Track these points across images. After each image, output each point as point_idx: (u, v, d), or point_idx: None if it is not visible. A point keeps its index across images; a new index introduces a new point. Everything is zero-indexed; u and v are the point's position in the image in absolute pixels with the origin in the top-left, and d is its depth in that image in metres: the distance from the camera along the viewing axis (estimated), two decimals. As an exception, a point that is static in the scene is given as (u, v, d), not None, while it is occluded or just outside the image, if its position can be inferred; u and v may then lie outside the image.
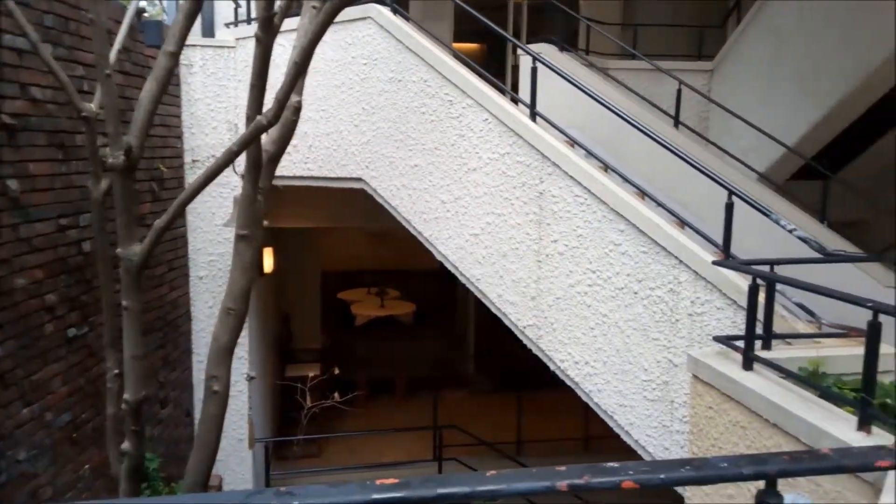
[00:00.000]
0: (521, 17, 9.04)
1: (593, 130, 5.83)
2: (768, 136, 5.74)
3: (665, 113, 6.20)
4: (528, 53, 4.51)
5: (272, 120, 3.51)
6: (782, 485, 2.69)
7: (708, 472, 1.15)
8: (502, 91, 4.73)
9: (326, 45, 5.46)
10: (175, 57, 3.71)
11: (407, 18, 5.11)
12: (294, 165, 5.74)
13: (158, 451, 5.24)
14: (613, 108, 4.24)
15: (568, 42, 7.60)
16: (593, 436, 8.95)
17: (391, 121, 5.14)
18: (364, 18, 5.15)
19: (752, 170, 5.88)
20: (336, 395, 5.92)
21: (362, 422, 9.43)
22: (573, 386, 4.54)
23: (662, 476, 1.12)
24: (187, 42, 4.18)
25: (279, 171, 5.82)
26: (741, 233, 4.47)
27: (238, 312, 4.03)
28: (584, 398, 4.52)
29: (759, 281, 3.01)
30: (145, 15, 5.73)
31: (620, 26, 8.42)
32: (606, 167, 5.13)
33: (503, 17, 9.09)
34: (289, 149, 5.78)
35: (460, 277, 5.00)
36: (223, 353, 4.05)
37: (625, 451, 4.34)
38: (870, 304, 2.29)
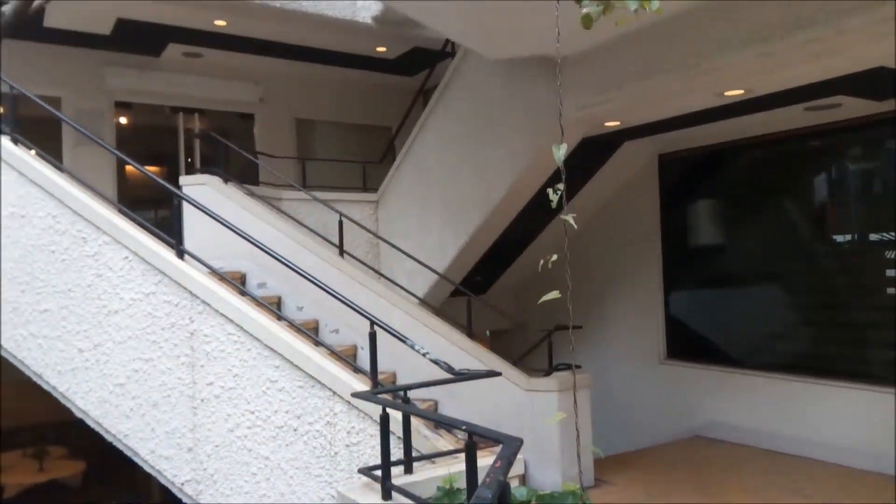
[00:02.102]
0: (194, 144, 8.90)
1: (266, 259, 5.82)
2: (421, 264, 6.32)
3: (330, 242, 6.49)
4: (171, 191, 4.36)
5: None
6: None
7: None
8: (147, 228, 4.47)
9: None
10: None
11: (30, 148, 4.62)
12: None
13: None
14: (254, 241, 4.29)
15: (246, 173, 7.67)
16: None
17: (13, 261, 4.49)
18: (-24, 147, 4.54)
19: (413, 295, 6.39)
20: None
21: None
22: (241, 541, 4.19)
23: None
24: None
25: None
26: (408, 353, 4.74)
27: None
28: (254, 552, 4.18)
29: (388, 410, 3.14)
30: None
31: (296, 160, 8.78)
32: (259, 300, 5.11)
33: (175, 143, 8.86)
34: None
35: (105, 435, 4.41)
36: None
37: None
38: (464, 427, 2.51)
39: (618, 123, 5.60)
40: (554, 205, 2.73)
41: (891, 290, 5.44)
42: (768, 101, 4.80)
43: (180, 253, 4.30)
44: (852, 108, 5.02)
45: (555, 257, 2.83)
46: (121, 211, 4.45)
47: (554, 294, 2.80)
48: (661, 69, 4.38)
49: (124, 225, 4.30)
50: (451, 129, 6.81)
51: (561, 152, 2.70)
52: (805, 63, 3.89)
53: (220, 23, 6.97)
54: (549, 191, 2.72)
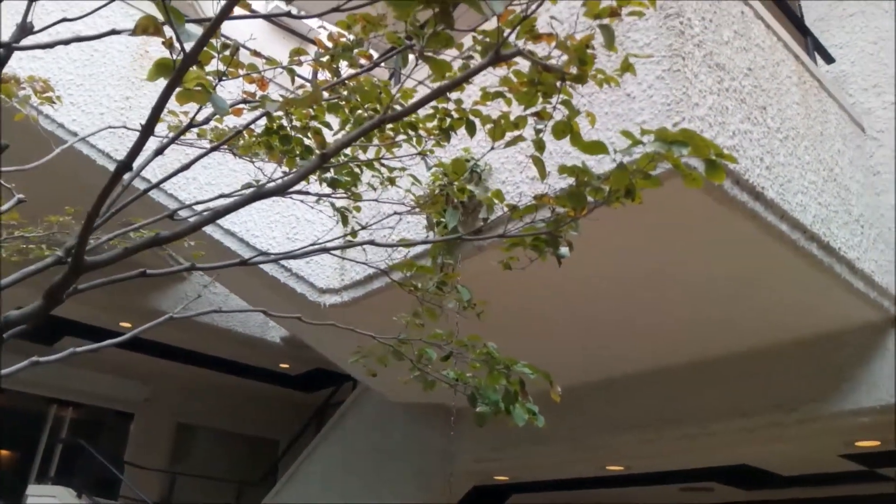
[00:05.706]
0: (59, 435, 8.11)
1: None
2: None
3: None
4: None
5: None
6: None
7: None
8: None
9: None
10: None
11: None
12: None
13: None
14: None
15: (110, 479, 6.98)
16: None
17: None
18: None
19: None
20: None
21: None
22: None
23: None
24: None
25: None
26: None
27: None
28: None
29: None
30: None
31: (165, 472, 8.11)
32: None
33: (39, 430, 8.07)
34: None
35: None
36: None
37: None
38: None
39: (507, 478, 5.64)
40: None
41: None
42: (647, 479, 5.04)
43: None
44: (724, 492, 5.33)
45: None
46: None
47: None
48: (550, 437, 4.59)
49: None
50: (342, 460, 6.60)
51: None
52: (679, 454, 4.22)
53: (126, 324, 6.95)
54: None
